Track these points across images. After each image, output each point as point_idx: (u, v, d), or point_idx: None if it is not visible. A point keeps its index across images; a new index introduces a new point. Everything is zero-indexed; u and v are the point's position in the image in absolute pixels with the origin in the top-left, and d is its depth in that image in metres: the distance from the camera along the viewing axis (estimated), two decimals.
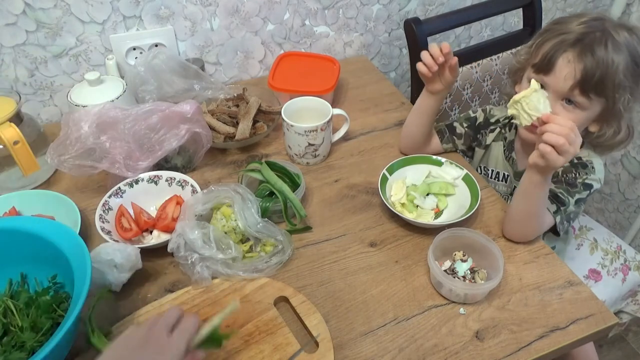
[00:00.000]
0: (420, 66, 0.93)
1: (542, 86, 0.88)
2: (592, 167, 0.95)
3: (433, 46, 0.91)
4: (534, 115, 0.82)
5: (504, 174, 1.09)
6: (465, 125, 1.09)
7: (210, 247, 0.83)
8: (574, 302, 0.83)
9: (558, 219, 0.90)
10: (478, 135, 1.10)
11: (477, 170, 1.14)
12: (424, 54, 0.92)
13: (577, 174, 0.94)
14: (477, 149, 1.13)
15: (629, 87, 0.86)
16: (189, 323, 0.63)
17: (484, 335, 0.78)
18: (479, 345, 0.77)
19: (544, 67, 0.89)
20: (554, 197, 0.91)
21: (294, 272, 0.87)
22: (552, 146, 0.76)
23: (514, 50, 1.38)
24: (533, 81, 0.85)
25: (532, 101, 0.82)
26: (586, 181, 0.93)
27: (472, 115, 1.09)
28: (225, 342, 0.66)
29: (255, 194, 0.94)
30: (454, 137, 1.09)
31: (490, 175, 1.11)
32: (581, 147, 0.96)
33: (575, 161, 0.95)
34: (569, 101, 0.88)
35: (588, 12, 0.92)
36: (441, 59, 0.90)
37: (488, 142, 1.09)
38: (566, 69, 0.86)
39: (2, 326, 0.72)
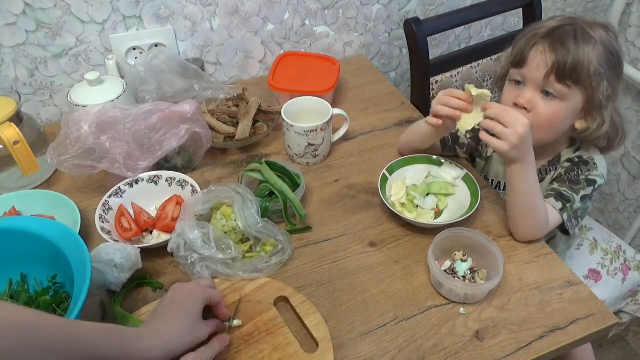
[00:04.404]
0: (431, 119, 0.92)
1: (520, 82, 0.91)
2: (594, 164, 0.96)
3: (450, 92, 0.90)
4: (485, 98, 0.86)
5: (505, 184, 1.09)
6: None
7: (210, 247, 0.83)
8: (574, 302, 0.83)
9: (565, 216, 0.91)
10: (479, 147, 1.11)
11: None
12: (439, 108, 0.90)
13: (580, 171, 0.95)
14: (478, 159, 1.13)
15: (606, 75, 0.87)
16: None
17: (484, 335, 0.78)
18: (479, 345, 0.77)
19: (519, 61, 0.91)
20: (558, 195, 0.92)
21: (294, 272, 0.87)
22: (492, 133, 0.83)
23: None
24: (466, 85, 0.88)
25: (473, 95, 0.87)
26: (589, 177, 0.94)
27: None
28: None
29: (255, 194, 0.94)
30: (457, 146, 1.10)
31: (491, 185, 1.11)
32: (574, 147, 0.98)
33: (577, 160, 0.96)
34: (548, 93, 0.89)
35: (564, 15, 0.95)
36: (458, 113, 0.89)
37: (489, 153, 1.10)
38: (539, 58, 0.88)
39: None
